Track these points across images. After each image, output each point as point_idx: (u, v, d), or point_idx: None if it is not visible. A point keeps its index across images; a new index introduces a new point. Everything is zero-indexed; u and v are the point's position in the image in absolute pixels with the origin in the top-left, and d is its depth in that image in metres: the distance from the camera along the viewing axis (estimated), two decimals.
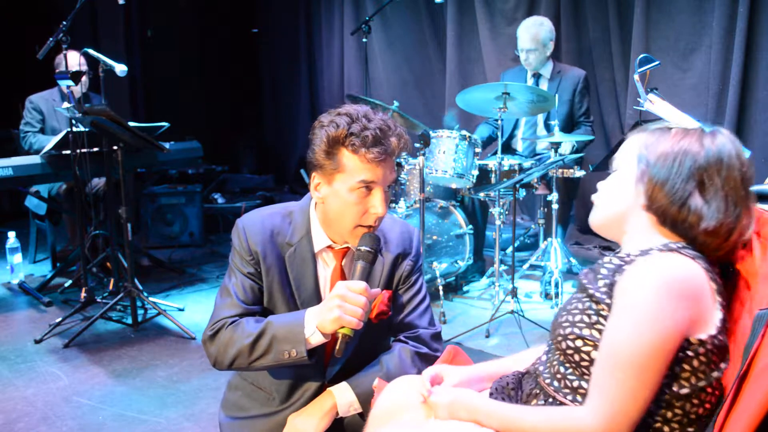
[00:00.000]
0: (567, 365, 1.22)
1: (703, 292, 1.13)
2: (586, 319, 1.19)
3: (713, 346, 1.13)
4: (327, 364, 1.65)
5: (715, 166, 1.17)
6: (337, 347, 1.43)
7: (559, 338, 1.22)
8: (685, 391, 1.13)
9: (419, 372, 1.61)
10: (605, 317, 1.17)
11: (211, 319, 1.59)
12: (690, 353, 1.11)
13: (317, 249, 1.61)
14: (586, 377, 1.18)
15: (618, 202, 1.26)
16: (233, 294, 1.58)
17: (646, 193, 1.21)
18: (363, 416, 1.60)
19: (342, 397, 1.58)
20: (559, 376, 1.23)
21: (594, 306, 1.19)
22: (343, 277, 1.64)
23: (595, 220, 1.32)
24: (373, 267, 1.54)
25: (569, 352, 1.20)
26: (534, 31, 3.95)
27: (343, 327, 1.43)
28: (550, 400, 1.24)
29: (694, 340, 1.11)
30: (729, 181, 1.17)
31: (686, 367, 1.12)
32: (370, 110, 1.52)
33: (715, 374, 1.14)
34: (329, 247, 1.62)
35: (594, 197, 1.32)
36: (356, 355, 1.64)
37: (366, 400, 1.57)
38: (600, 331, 1.17)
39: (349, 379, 1.61)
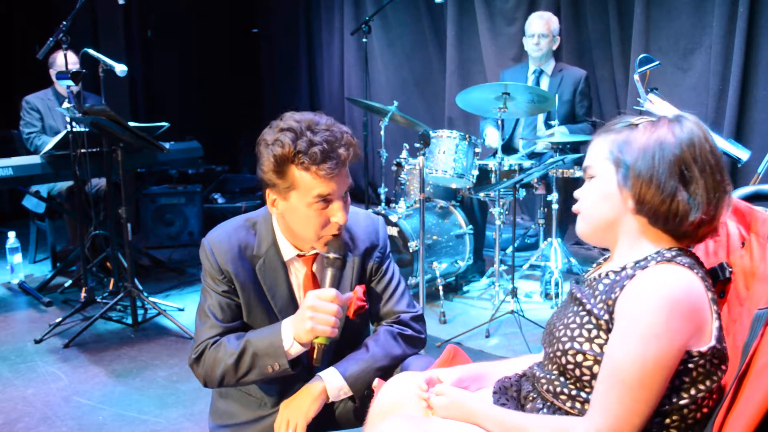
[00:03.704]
0: (565, 378, 1.21)
1: (702, 305, 1.12)
2: (585, 333, 1.18)
3: (713, 356, 1.12)
4: (313, 367, 1.66)
5: (690, 155, 1.15)
6: (315, 357, 1.46)
7: (558, 353, 1.21)
8: (684, 401, 1.13)
9: (404, 351, 1.65)
10: (606, 331, 1.16)
11: (193, 342, 1.61)
12: (690, 365, 1.11)
13: (286, 258, 1.62)
14: (587, 389, 1.18)
15: (605, 210, 1.22)
16: (211, 315, 1.60)
17: (633, 196, 1.18)
18: (353, 400, 1.63)
19: (331, 381, 1.60)
20: (557, 383, 1.22)
21: (593, 321, 1.18)
22: (315, 282, 1.66)
23: (582, 231, 1.28)
24: (342, 272, 1.55)
25: (569, 367, 1.19)
26: (547, 18, 4.04)
27: (318, 337, 1.45)
28: (548, 404, 1.23)
29: (695, 353, 1.11)
30: (705, 168, 1.16)
31: (686, 379, 1.12)
32: (314, 118, 1.47)
33: (714, 385, 1.14)
34: (298, 255, 1.63)
35: (576, 207, 1.29)
36: (341, 352, 1.66)
37: (354, 383, 1.60)
38: (600, 346, 1.16)
39: (336, 364, 1.63)
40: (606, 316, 1.15)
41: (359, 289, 1.62)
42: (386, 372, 1.63)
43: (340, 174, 1.47)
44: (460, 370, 1.43)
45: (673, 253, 1.17)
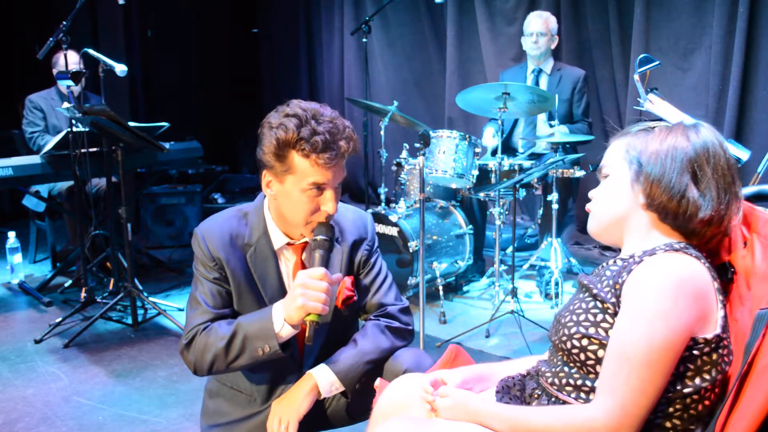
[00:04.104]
0: (571, 365, 1.22)
1: (708, 292, 1.15)
2: (591, 318, 1.20)
3: (717, 345, 1.14)
4: (302, 359, 1.69)
5: (704, 157, 1.20)
6: (307, 335, 1.47)
7: (564, 338, 1.23)
8: (688, 390, 1.14)
9: (393, 343, 1.68)
10: (612, 315, 1.18)
11: (184, 330, 1.63)
12: (695, 352, 1.13)
13: (276, 247, 1.65)
14: (591, 375, 1.19)
15: (617, 206, 1.27)
16: (202, 302, 1.62)
17: (644, 192, 1.23)
18: (346, 395, 1.65)
19: (322, 377, 1.62)
20: (562, 374, 1.23)
21: (599, 305, 1.20)
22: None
23: (594, 227, 1.33)
24: (330, 254, 1.58)
25: (574, 351, 1.20)
26: (546, 17, 4.05)
27: (309, 314, 1.47)
28: (553, 399, 1.24)
29: (700, 340, 1.12)
30: (717, 170, 1.20)
31: (691, 366, 1.13)
32: (319, 109, 1.53)
33: (719, 375, 1.15)
34: (288, 244, 1.66)
35: (589, 206, 1.33)
36: (329, 344, 1.69)
37: (345, 377, 1.61)
38: (606, 330, 1.18)
39: (326, 360, 1.65)
40: (612, 300, 1.18)
41: (347, 280, 1.65)
42: (376, 365, 1.65)
43: (338, 165, 1.52)
44: (463, 372, 1.44)
45: (682, 245, 1.20)
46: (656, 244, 1.22)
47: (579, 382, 1.20)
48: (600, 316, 1.20)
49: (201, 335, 1.58)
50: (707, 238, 1.23)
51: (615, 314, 1.18)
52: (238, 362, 1.55)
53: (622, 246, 1.30)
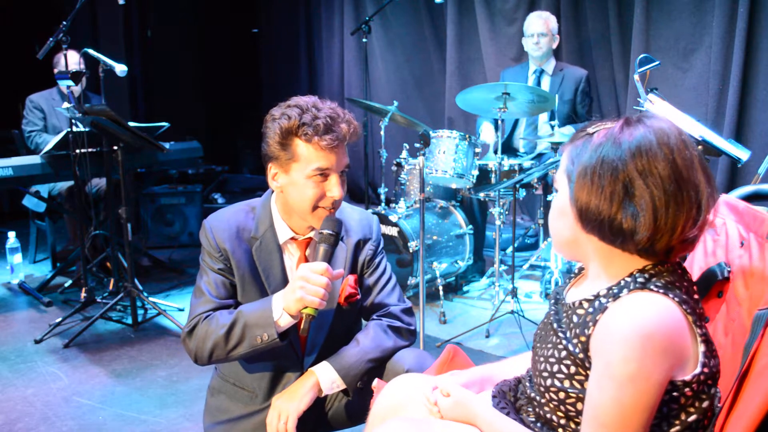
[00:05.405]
0: (551, 408, 1.18)
1: (680, 335, 1.05)
2: (564, 369, 1.14)
3: (699, 382, 1.07)
4: (303, 355, 1.71)
5: (634, 166, 1.05)
6: (302, 327, 1.49)
7: (542, 389, 1.18)
8: (676, 428, 1.09)
9: (395, 343, 1.69)
10: (584, 368, 1.11)
11: (187, 319, 1.65)
12: (675, 394, 1.07)
13: (281, 241, 1.68)
14: (575, 420, 1.15)
15: (564, 229, 1.16)
16: (206, 292, 1.64)
17: (575, 215, 1.11)
18: (347, 393, 1.66)
19: (323, 374, 1.63)
20: (548, 409, 1.19)
21: (570, 357, 1.13)
22: None
23: (555, 248, 1.23)
24: (335, 249, 1.59)
25: (553, 404, 1.16)
26: (545, 17, 4.07)
27: (306, 307, 1.49)
28: (540, 423, 1.22)
29: (678, 382, 1.06)
30: (653, 178, 1.04)
31: (674, 406, 1.08)
32: (319, 100, 1.59)
33: (705, 404, 1.09)
34: (293, 238, 1.69)
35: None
36: (332, 341, 1.70)
37: (347, 375, 1.63)
38: (581, 382, 1.12)
39: (328, 358, 1.66)
40: (581, 355, 1.11)
41: (351, 278, 1.67)
42: (378, 364, 1.66)
43: (340, 148, 1.56)
44: (466, 375, 1.42)
45: (647, 276, 1.09)
46: (618, 275, 1.12)
47: (563, 422, 1.17)
48: (573, 369, 1.12)
49: (203, 323, 1.60)
50: (666, 250, 1.08)
51: (587, 367, 1.10)
52: (238, 350, 1.57)
53: (586, 266, 1.21)
